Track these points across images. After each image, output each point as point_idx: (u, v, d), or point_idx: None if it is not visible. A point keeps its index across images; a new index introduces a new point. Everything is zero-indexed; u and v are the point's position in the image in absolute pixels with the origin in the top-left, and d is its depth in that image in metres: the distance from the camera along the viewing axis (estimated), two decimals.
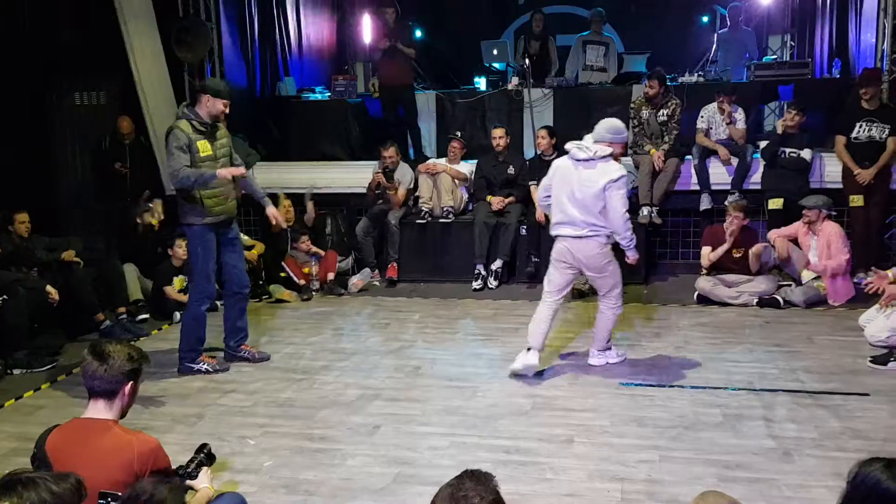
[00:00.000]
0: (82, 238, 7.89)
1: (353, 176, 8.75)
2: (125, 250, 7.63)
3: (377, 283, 8.14)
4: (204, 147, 5.35)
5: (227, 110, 5.45)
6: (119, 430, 2.89)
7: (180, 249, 7.25)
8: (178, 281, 7.24)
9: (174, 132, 5.28)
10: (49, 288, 6.13)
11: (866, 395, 4.86)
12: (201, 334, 5.68)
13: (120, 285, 7.06)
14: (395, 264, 8.08)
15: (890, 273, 5.64)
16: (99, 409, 2.91)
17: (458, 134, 8.48)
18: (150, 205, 7.87)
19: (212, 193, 5.41)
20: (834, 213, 7.04)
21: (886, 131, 7.35)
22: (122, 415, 2.98)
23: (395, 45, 8.83)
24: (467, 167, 8.36)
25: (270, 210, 5.85)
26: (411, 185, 8.31)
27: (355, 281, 7.96)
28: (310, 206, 8.30)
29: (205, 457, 3.29)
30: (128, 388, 2.91)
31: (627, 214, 5.24)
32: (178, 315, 7.03)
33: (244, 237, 8.17)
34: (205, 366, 5.64)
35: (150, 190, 8.76)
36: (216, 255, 5.62)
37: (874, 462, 2.05)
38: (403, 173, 8.29)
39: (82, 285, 6.62)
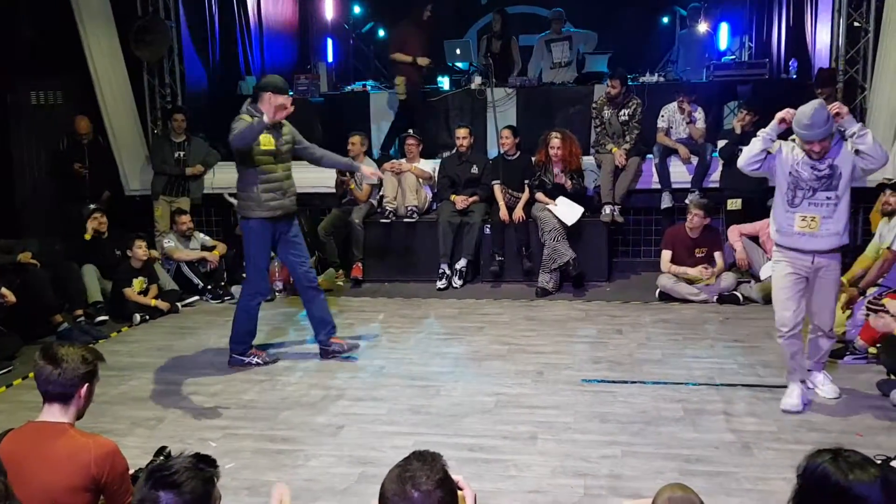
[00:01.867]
0: (40, 239, 7.74)
1: (315, 176, 8.63)
2: (83, 252, 7.50)
3: (341, 283, 8.10)
4: (267, 141, 5.44)
5: (290, 105, 5.48)
6: (75, 434, 2.82)
7: (140, 250, 7.16)
8: (138, 282, 7.14)
9: (241, 120, 5.35)
10: (4, 290, 6.00)
11: None
12: (252, 328, 5.76)
13: (77, 287, 6.94)
14: (359, 264, 8.04)
15: (843, 279, 5.75)
16: (54, 413, 2.84)
17: (411, 131, 8.48)
18: (93, 205, 7.68)
19: (267, 188, 5.48)
20: None
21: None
22: (80, 416, 2.92)
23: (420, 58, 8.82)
24: (430, 166, 8.36)
25: (366, 170, 6.33)
26: (376, 182, 8.28)
27: (319, 281, 7.89)
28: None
29: (164, 460, 3.23)
30: (83, 390, 2.85)
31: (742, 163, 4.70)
32: (137, 317, 6.94)
33: (205, 237, 8.12)
34: (255, 359, 5.70)
35: (109, 190, 8.65)
36: (271, 252, 5.75)
37: (822, 454, 2.07)
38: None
39: (42, 286, 6.49)
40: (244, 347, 5.71)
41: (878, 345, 5.23)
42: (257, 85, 5.70)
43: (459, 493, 2.01)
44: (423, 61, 8.83)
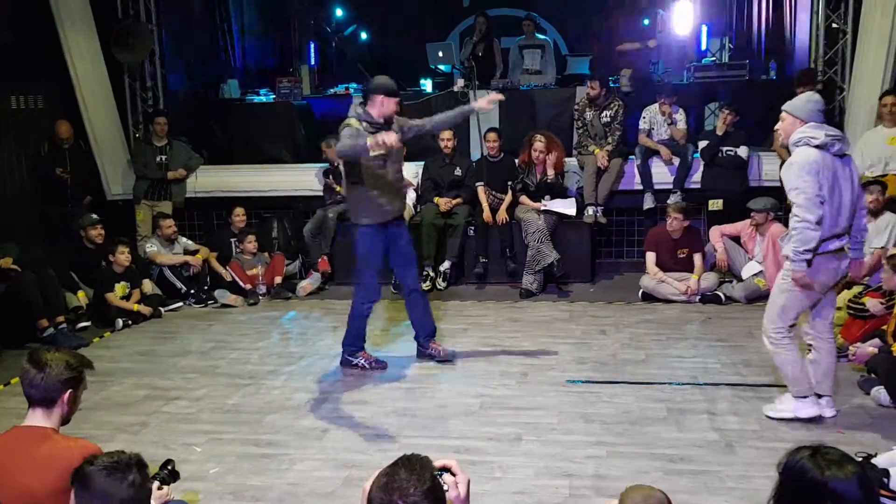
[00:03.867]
0: (20, 245, 7.63)
1: (298, 178, 8.67)
2: (66, 258, 7.43)
3: (326, 287, 8.08)
4: None
5: (399, 109, 5.38)
6: (59, 438, 2.81)
7: (122, 255, 7.10)
8: (120, 287, 7.08)
9: (349, 126, 5.18)
10: None
11: None
12: (363, 332, 5.71)
13: (56, 293, 6.85)
14: (325, 257, 8.01)
15: None
16: (37, 418, 2.83)
17: None
18: (95, 216, 7.61)
19: (381, 192, 5.31)
20: (781, 214, 7.23)
21: None
22: (65, 422, 2.90)
23: None
24: (413, 169, 8.35)
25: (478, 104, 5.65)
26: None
27: (304, 285, 7.88)
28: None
29: (167, 474, 3.18)
30: (66, 396, 2.84)
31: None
32: (119, 322, 6.88)
33: (188, 241, 8.08)
34: (362, 361, 5.66)
35: (90, 195, 8.58)
36: (384, 257, 5.59)
37: (801, 451, 2.10)
38: None
39: (30, 291, 6.41)
40: (355, 349, 5.69)
41: (869, 362, 5.00)
42: (369, 87, 5.41)
43: (452, 479, 1.98)
44: (651, 43, 8.80)
